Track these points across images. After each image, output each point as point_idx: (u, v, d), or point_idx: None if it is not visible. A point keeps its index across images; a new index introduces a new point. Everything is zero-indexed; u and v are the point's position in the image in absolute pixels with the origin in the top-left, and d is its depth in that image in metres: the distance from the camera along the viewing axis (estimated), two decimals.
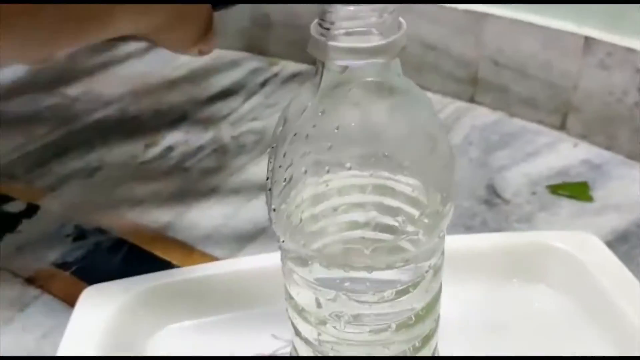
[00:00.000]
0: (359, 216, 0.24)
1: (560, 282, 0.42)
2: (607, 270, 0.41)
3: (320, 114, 0.23)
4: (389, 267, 0.25)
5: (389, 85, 0.23)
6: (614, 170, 0.55)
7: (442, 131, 0.25)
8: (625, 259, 0.45)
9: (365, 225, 0.23)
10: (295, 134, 0.23)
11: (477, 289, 0.42)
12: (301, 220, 0.24)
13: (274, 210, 0.24)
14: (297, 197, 0.24)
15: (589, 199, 0.52)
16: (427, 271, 0.26)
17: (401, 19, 0.23)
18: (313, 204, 0.23)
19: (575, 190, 0.53)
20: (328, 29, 0.22)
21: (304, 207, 0.24)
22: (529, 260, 0.43)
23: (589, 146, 0.59)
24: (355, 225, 0.24)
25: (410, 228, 0.24)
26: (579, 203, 0.52)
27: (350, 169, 0.23)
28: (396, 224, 0.24)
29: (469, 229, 0.49)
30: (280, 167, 0.23)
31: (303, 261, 0.24)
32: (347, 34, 0.21)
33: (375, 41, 0.21)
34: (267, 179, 0.25)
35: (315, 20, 0.23)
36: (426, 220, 0.24)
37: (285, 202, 0.24)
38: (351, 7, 0.21)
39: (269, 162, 0.24)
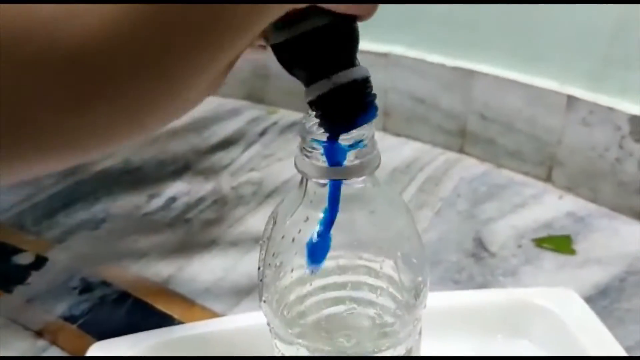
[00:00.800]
0: (343, 295, 0.26)
1: (542, 338, 0.44)
2: (584, 327, 0.43)
3: (304, 220, 0.25)
4: (375, 351, 0.27)
5: (366, 193, 0.26)
6: (596, 223, 0.58)
7: (413, 226, 0.28)
8: (606, 313, 0.48)
9: (349, 312, 0.26)
10: (282, 237, 0.26)
11: (463, 345, 0.44)
12: (288, 311, 0.26)
13: (264, 301, 0.27)
14: (284, 289, 0.26)
15: (571, 252, 0.55)
16: (409, 350, 0.28)
17: (375, 139, 0.26)
18: (297, 299, 0.26)
19: (559, 243, 0.56)
20: (310, 151, 0.24)
21: (289, 298, 0.26)
22: (513, 316, 0.45)
23: (573, 198, 0.61)
24: (340, 308, 0.26)
25: (390, 313, 0.27)
26: (562, 256, 0.54)
27: (331, 269, 0.25)
28: (377, 310, 0.26)
29: (456, 283, 0.52)
30: (269, 264, 0.26)
31: (291, 345, 0.27)
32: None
33: (351, 162, 0.24)
34: (259, 268, 0.27)
35: (299, 142, 0.25)
36: (404, 303, 0.27)
37: (274, 293, 0.26)
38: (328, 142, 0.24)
39: (260, 254, 0.27)
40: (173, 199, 0.64)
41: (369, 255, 0.26)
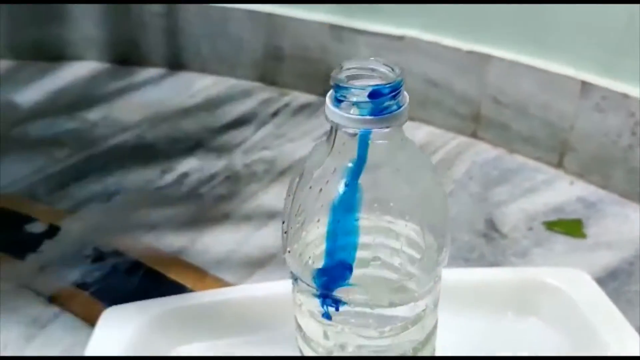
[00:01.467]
0: (364, 255, 0.26)
1: (551, 316, 0.44)
2: (595, 306, 0.43)
3: (332, 172, 0.26)
4: (391, 304, 0.28)
5: (393, 147, 0.26)
6: (608, 209, 0.58)
7: (440, 186, 0.28)
8: (615, 295, 0.48)
9: (370, 264, 0.26)
10: (310, 187, 0.26)
11: (473, 321, 0.44)
12: (311, 260, 0.27)
13: (289, 251, 0.27)
14: (308, 240, 0.26)
15: (582, 235, 0.55)
16: (424, 310, 0.29)
17: (405, 93, 0.26)
18: (321, 246, 0.26)
19: (570, 227, 0.56)
20: (341, 100, 0.25)
21: (313, 248, 0.26)
22: (523, 295, 0.45)
23: (584, 184, 0.61)
24: (360, 263, 0.27)
25: (410, 269, 0.27)
26: (572, 239, 0.55)
27: (358, 218, 0.26)
28: (398, 265, 0.26)
29: (467, 261, 0.52)
30: (295, 215, 0.26)
31: (313, 296, 0.27)
32: (358, 105, 0.24)
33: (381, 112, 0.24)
34: (283, 222, 0.27)
35: (331, 90, 0.25)
36: (425, 263, 0.27)
37: (298, 243, 0.27)
38: (362, 84, 0.24)
39: (285, 208, 0.27)
40: (185, 175, 0.64)
41: (392, 215, 0.26)
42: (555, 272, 0.46)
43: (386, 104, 0.24)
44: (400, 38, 0.69)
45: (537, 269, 0.47)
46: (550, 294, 0.45)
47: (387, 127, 0.25)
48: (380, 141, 0.25)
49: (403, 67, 0.26)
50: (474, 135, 0.68)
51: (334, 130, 0.25)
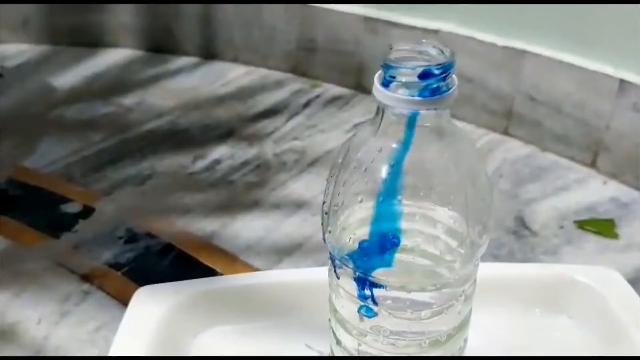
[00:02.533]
0: (403, 239, 0.27)
1: (581, 314, 0.44)
2: (627, 305, 0.43)
3: (378, 151, 0.26)
4: (423, 289, 0.28)
5: (440, 130, 0.26)
6: None
7: (484, 170, 0.28)
8: None
9: (409, 250, 0.27)
10: (354, 166, 0.26)
11: (502, 316, 0.44)
12: (351, 241, 0.27)
13: (330, 231, 0.27)
14: (349, 220, 0.27)
15: (614, 236, 0.55)
16: (460, 296, 0.29)
17: (454, 76, 0.26)
18: (362, 228, 0.27)
19: (602, 226, 0.55)
20: (390, 80, 0.25)
21: (354, 229, 0.27)
22: (553, 291, 0.45)
23: (618, 185, 0.61)
24: (400, 247, 0.27)
25: (448, 257, 0.27)
26: (604, 239, 0.54)
27: (400, 200, 0.26)
28: (436, 252, 0.27)
29: (496, 258, 0.52)
30: (339, 194, 0.27)
31: (350, 278, 0.28)
32: (407, 85, 0.25)
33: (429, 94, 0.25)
34: (324, 203, 0.28)
35: (379, 71, 0.26)
36: (463, 251, 0.27)
37: (339, 224, 0.27)
38: (411, 65, 0.25)
39: (327, 187, 0.27)
40: (217, 161, 0.65)
41: (434, 199, 0.27)
42: (586, 270, 0.45)
43: (435, 85, 0.25)
44: (435, 32, 0.69)
45: (567, 266, 0.47)
46: (580, 291, 0.44)
47: (435, 109, 0.25)
48: (428, 124, 0.26)
49: (454, 51, 0.26)
50: (505, 132, 0.68)
51: (381, 110, 0.26)
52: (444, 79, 0.25)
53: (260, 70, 0.82)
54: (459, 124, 0.68)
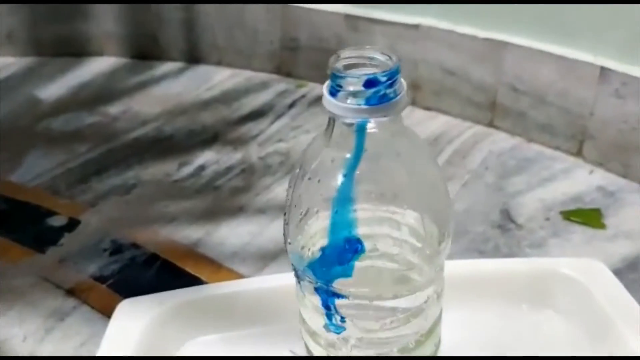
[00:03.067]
0: (363, 248, 0.26)
1: (567, 308, 0.44)
2: (612, 297, 0.43)
3: (331, 161, 0.26)
4: (395, 296, 0.28)
5: (392, 136, 0.26)
6: (627, 198, 0.57)
7: (439, 174, 0.28)
8: (634, 286, 0.47)
9: (372, 255, 0.26)
10: (309, 178, 0.26)
11: (487, 313, 0.44)
12: (311, 252, 0.27)
13: (290, 243, 0.27)
14: (308, 232, 0.27)
15: (601, 225, 0.54)
16: (425, 301, 0.29)
17: (402, 80, 0.26)
18: (321, 239, 0.26)
19: (588, 217, 0.55)
20: (338, 90, 0.25)
21: (313, 240, 0.27)
22: (538, 286, 0.45)
23: (604, 173, 0.60)
24: (360, 256, 0.27)
25: (411, 258, 0.27)
26: (591, 230, 0.54)
27: (355, 210, 0.26)
28: (397, 253, 0.26)
29: (482, 253, 0.52)
30: (295, 206, 0.26)
31: (313, 289, 0.27)
32: (354, 94, 0.24)
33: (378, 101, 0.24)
34: (285, 214, 0.28)
35: (328, 80, 0.25)
36: (427, 252, 0.27)
37: (300, 234, 0.27)
38: (358, 73, 0.24)
39: (287, 200, 0.27)
40: (202, 167, 0.65)
41: (392, 205, 0.26)
42: (571, 263, 0.45)
43: (383, 92, 0.24)
44: (416, 27, 0.68)
45: (552, 260, 0.47)
46: (565, 285, 0.44)
47: (385, 117, 0.25)
48: (379, 130, 0.25)
49: (400, 55, 0.25)
50: (490, 124, 0.68)
51: (331, 120, 0.25)
52: (391, 86, 0.24)
53: (245, 73, 0.81)
54: (444, 117, 0.69)
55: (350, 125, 0.25)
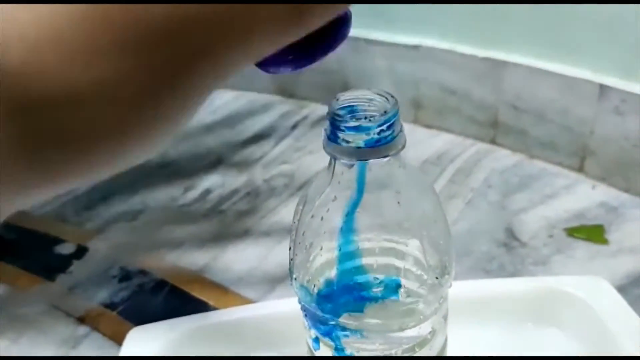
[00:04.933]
0: (368, 282, 0.27)
1: (572, 326, 0.44)
2: (616, 315, 0.43)
3: (332, 200, 0.26)
4: (401, 328, 0.28)
5: (392, 175, 0.27)
6: (630, 213, 0.57)
7: (440, 209, 0.28)
8: (638, 302, 0.47)
9: (374, 289, 0.27)
10: (312, 216, 0.27)
11: (492, 332, 0.45)
12: (316, 287, 0.27)
13: (295, 278, 0.28)
14: (313, 268, 0.27)
15: (604, 241, 0.55)
16: (430, 332, 0.29)
17: (400, 121, 0.27)
18: (326, 274, 0.27)
19: (591, 233, 0.55)
20: (337, 132, 0.25)
21: (318, 276, 0.27)
22: (543, 305, 0.45)
23: (606, 188, 0.61)
24: (367, 285, 0.27)
25: (417, 289, 0.27)
26: (594, 245, 0.54)
27: (359, 245, 0.26)
28: (402, 288, 0.27)
29: (487, 272, 0.52)
30: (299, 243, 0.27)
31: (320, 323, 0.28)
32: (353, 137, 0.25)
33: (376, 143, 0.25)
34: (290, 248, 0.28)
35: (327, 122, 0.26)
36: (431, 282, 0.28)
37: (304, 271, 0.27)
38: (357, 115, 0.25)
39: (291, 236, 0.28)
40: (208, 191, 0.66)
41: (395, 237, 0.27)
42: (575, 281, 0.45)
43: (381, 134, 0.25)
44: (416, 47, 0.69)
45: (556, 278, 0.47)
46: (569, 303, 0.44)
47: (385, 157, 0.26)
48: (379, 168, 0.26)
49: (395, 97, 0.26)
50: (492, 141, 0.68)
51: (332, 160, 0.26)
52: (389, 127, 0.25)
53: (248, 94, 0.82)
54: (447, 135, 0.69)
55: (351, 165, 0.26)
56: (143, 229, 0.61)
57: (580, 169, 0.63)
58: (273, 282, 0.53)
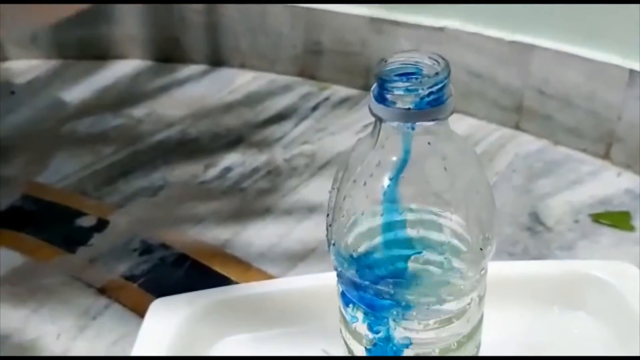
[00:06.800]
0: (409, 251, 0.27)
1: (599, 310, 0.44)
2: None
3: (376, 165, 0.26)
4: (438, 300, 0.28)
5: (438, 140, 0.26)
6: None
7: (484, 178, 0.28)
8: None
9: (415, 259, 0.26)
10: (354, 181, 0.26)
11: (519, 314, 0.44)
12: (356, 253, 0.27)
13: (333, 244, 0.27)
14: (353, 233, 0.27)
15: (630, 228, 0.54)
16: (469, 303, 0.29)
17: (451, 85, 0.26)
18: (367, 240, 0.27)
19: (617, 219, 0.55)
20: (384, 93, 0.25)
21: (358, 242, 0.27)
22: (569, 288, 0.45)
23: (632, 175, 0.60)
24: (404, 259, 0.27)
25: (456, 263, 0.27)
26: (620, 232, 0.54)
27: (401, 212, 0.26)
28: (443, 259, 0.26)
29: (511, 255, 0.51)
30: (340, 208, 0.27)
31: (356, 290, 0.28)
32: (401, 98, 0.24)
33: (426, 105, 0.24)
34: (328, 215, 0.28)
35: (374, 84, 0.26)
36: (470, 256, 0.27)
37: (342, 237, 0.27)
38: (406, 77, 0.25)
39: (330, 201, 0.27)
40: (228, 169, 0.65)
41: (439, 205, 0.26)
42: (603, 265, 0.45)
43: (430, 96, 0.24)
44: (441, 29, 0.68)
45: (583, 262, 0.47)
46: (597, 287, 0.44)
47: (432, 121, 0.25)
48: (425, 133, 0.25)
49: (448, 59, 0.26)
50: (517, 127, 0.67)
51: (377, 123, 0.26)
52: (439, 90, 0.24)
53: (268, 76, 0.82)
54: (471, 120, 0.69)
55: (397, 128, 0.25)
56: (164, 204, 0.61)
57: (605, 156, 0.62)
58: (295, 259, 0.53)
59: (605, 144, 0.62)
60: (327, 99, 0.77)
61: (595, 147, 0.63)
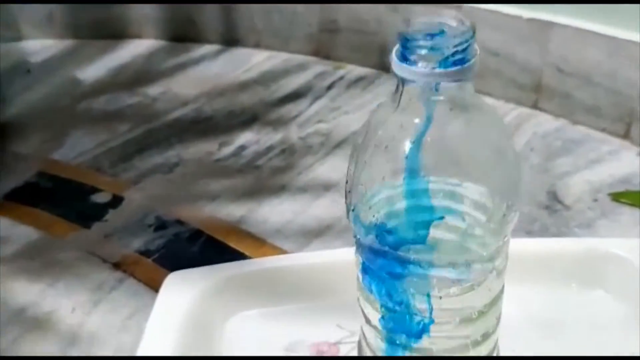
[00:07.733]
0: (430, 217, 0.26)
1: (618, 288, 0.43)
2: None
3: (399, 128, 0.25)
4: (452, 265, 0.27)
5: (463, 103, 0.25)
6: None
7: (510, 145, 0.27)
8: None
9: (437, 226, 0.26)
10: (375, 145, 0.26)
11: (537, 292, 0.43)
12: (376, 219, 0.26)
13: (353, 210, 0.27)
14: (373, 199, 0.26)
15: None
16: (490, 272, 0.28)
17: (476, 46, 0.25)
18: (387, 205, 0.26)
19: (637, 198, 0.54)
20: (407, 54, 0.24)
21: (378, 207, 0.26)
22: (588, 266, 0.44)
23: None
24: (425, 225, 0.26)
25: (477, 231, 0.26)
26: None
27: (424, 176, 0.25)
28: (465, 226, 0.26)
29: (528, 233, 0.51)
30: (360, 173, 0.26)
31: (376, 257, 0.27)
32: (425, 58, 0.24)
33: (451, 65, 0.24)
34: (347, 182, 0.27)
35: (397, 45, 0.25)
36: (492, 225, 0.27)
37: (362, 202, 0.27)
38: (430, 36, 0.24)
39: (349, 167, 0.27)
40: (243, 147, 0.65)
41: (459, 174, 0.26)
42: (623, 243, 0.44)
43: (455, 56, 0.24)
44: (458, 7, 0.67)
45: (603, 240, 0.46)
46: (617, 265, 0.43)
47: (457, 81, 0.24)
48: (449, 97, 0.25)
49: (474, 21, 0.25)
50: (534, 106, 0.67)
51: (400, 85, 0.25)
52: (464, 49, 0.24)
53: (283, 55, 0.81)
54: (488, 99, 0.68)
55: (421, 90, 0.24)
56: (179, 181, 0.61)
57: (625, 135, 0.61)
58: (310, 235, 0.52)
59: (625, 124, 0.61)
60: (342, 78, 0.76)
61: (614, 126, 0.62)
